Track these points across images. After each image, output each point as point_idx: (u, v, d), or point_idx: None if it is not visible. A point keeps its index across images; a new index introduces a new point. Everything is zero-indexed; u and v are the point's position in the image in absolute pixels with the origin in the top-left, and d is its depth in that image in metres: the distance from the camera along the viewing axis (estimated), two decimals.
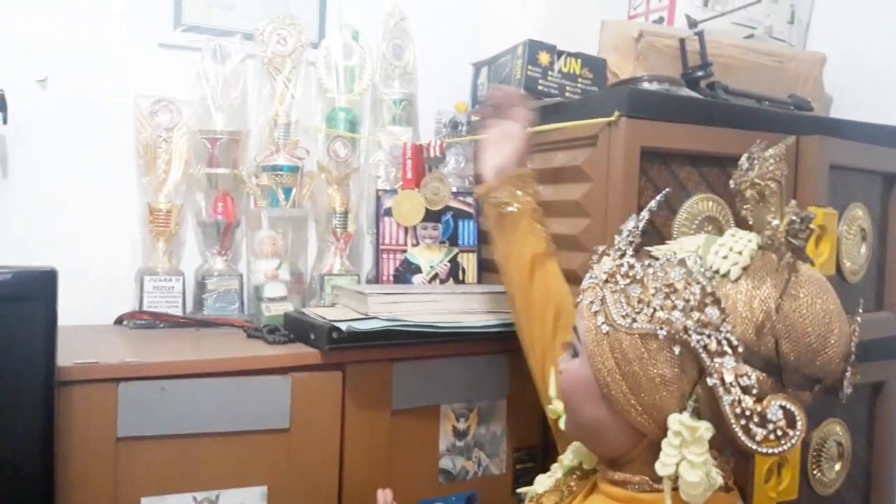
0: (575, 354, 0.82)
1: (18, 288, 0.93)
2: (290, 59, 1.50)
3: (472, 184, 1.55)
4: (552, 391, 0.95)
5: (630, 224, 0.84)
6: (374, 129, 1.62)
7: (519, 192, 1.13)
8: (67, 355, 1.02)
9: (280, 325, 1.29)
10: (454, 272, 1.50)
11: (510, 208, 1.13)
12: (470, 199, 1.52)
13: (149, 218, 1.41)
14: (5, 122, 1.31)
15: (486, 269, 1.49)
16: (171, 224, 1.42)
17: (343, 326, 1.12)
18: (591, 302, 0.78)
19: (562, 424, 0.90)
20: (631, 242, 0.81)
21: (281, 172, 1.46)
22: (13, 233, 1.37)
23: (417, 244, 1.49)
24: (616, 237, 0.84)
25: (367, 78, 1.58)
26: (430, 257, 1.49)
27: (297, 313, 1.30)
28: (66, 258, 1.15)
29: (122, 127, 1.43)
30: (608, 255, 0.82)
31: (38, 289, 0.94)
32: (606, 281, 0.78)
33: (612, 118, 1.18)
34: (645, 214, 0.86)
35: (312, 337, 1.18)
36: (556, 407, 0.93)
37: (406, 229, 1.48)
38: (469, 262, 1.52)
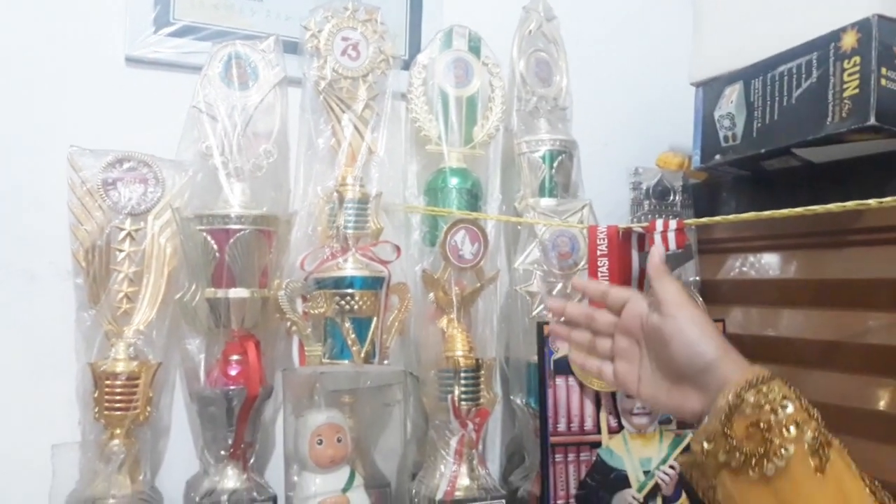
0: None
1: None
2: (365, 84, 0.82)
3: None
4: None
5: None
6: (506, 205, 0.92)
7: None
8: None
9: None
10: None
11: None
12: None
13: (94, 394, 0.70)
14: None
15: None
16: (140, 401, 0.71)
17: None
18: None
19: None
20: None
21: (351, 290, 0.76)
22: None
23: (619, 429, 0.76)
24: None
25: (495, 117, 0.89)
26: (642, 453, 0.76)
27: None
28: None
29: (42, 211, 0.74)
30: None
31: None
32: None
33: None
34: None
35: None
36: None
37: (599, 399, 0.76)
38: None
